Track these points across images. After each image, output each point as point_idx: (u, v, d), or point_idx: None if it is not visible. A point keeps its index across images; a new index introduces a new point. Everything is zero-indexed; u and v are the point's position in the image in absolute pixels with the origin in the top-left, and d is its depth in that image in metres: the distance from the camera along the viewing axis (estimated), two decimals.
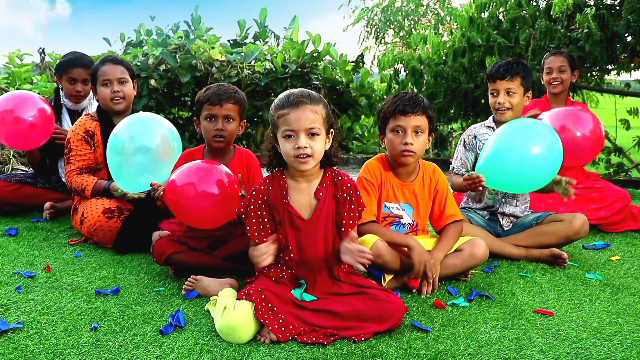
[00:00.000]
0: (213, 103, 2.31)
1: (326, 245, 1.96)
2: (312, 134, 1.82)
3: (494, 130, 2.78)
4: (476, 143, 2.78)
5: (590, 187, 3.38)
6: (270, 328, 1.75)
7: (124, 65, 2.97)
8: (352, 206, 1.95)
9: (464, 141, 2.82)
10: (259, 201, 1.92)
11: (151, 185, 2.26)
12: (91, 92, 3.45)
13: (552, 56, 3.48)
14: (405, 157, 2.25)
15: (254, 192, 1.94)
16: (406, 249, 2.21)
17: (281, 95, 1.89)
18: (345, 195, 1.94)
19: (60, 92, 3.47)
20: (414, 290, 2.19)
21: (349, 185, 1.96)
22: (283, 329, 1.76)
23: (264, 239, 1.92)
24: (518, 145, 2.37)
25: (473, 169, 2.77)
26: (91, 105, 3.49)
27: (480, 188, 2.45)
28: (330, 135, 1.91)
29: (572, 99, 3.65)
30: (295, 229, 1.93)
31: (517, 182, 2.42)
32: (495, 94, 2.73)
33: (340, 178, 1.97)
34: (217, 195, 2.13)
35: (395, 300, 1.86)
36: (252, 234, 1.93)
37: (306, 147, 1.81)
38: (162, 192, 2.19)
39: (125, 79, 2.96)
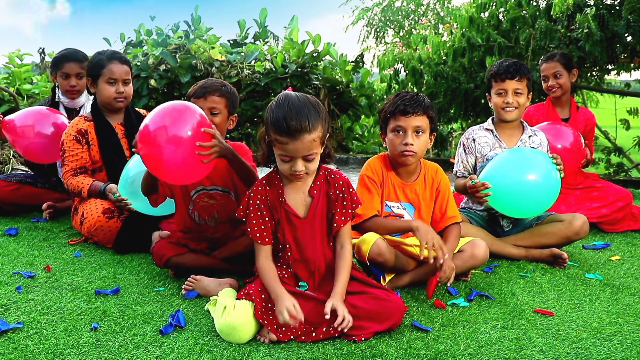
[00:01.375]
0: (198, 96, 2.31)
1: (323, 243, 1.96)
2: (309, 159, 1.82)
3: (492, 133, 2.79)
4: (475, 146, 2.79)
5: (592, 187, 3.39)
6: (269, 328, 1.76)
7: (128, 65, 2.98)
8: (345, 203, 1.96)
9: (464, 144, 2.82)
10: (258, 201, 1.92)
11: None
12: (87, 91, 3.43)
13: (544, 63, 3.46)
14: (405, 157, 2.25)
15: (252, 194, 1.94)
16: (411, 232, 2.20)
17: (279, 115, 1.76)
18: (337, 192, 1.96)
19: (57, 91, 3.46)
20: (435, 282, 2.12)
21: (341, 182, 1.97)
22: (283, 328, 1.76)
23: (266, 239, 1.92)
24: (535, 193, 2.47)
25: (474, 171, 2.78)
26: (88, 102, 3.45)
27: (486, 199, 2.46)
28: (325, 141, 1.89)
29: (576, 102, 3.64)
30: (292, 227, 1.94)
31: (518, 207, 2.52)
32: (502, 94, 2.72)
33: (332, 176, 1.98)
34: (190, 138, 2.00)
35: (395, 300, 1.86)
36: (253, 234, 1.92)
37: (302, 169, 1.82)
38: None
39: (129, 79, 2.97)
